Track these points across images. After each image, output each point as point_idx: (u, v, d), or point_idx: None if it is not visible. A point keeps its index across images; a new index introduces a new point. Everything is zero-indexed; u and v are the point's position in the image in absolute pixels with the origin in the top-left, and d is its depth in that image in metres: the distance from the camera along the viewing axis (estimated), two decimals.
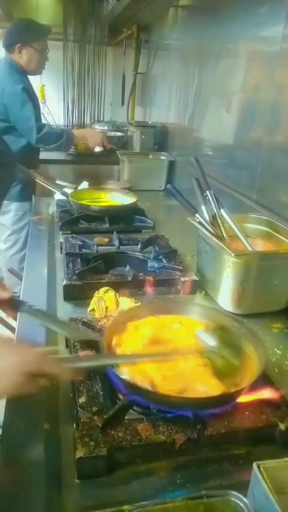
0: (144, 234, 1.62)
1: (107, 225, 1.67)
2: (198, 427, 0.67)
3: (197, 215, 1.19)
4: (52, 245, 1.54)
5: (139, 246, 1.44)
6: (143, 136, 2.86)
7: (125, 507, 0.55)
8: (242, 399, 0.72)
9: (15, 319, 1.00)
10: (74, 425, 0.69)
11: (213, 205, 1.20)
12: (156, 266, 1.30)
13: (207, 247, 1.19)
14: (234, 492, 0.56)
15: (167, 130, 2.80)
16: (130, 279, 1.19)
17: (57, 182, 2.11)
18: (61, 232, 1.60)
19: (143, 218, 1.78)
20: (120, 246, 1.45)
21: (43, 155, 2.68)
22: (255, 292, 1.10)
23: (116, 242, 1.46)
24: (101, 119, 4.29)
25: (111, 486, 0.63)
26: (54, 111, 4.27)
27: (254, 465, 0.54)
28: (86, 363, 0.76)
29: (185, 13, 2.47)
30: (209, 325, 0.90)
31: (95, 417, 0.68)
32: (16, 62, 2.38)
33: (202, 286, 1.24)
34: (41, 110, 3.10)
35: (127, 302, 1.08)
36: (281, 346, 0.99)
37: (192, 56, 2.30)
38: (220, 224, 1.19)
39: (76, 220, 1.71)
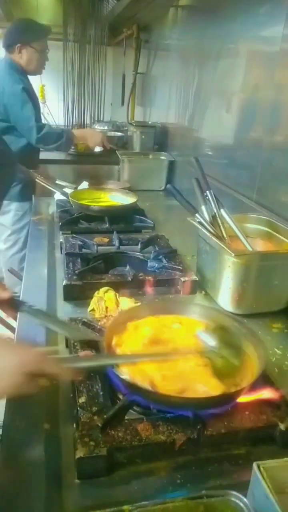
0: (144, 234, 1.62)
1: (107, 225, 1.67)
2: (198, 427, 0.67)
3: (197, 215, 1.19)
4: (52, 245, 1.54)
5: (139, 246, 1.44)
6: (143, 136, 2.86)
7: (125, 507, 0.55)
8: (242, 399, 0.72)
9: (15, 319, 1.00)
10: (74, 425, 0.69)
11: (213, 205, 1.20)
12: (156, 266, 1.30)
13: (207, 247, 1.19)
14: (234, 492, 0.56)
15: (167, 130, 2.80)
16: (130, 279, 1.19)
17: (57, 182, 2.11)
18: (61, 232, 1.60)
19: (143, 218, 1.78)
20: (120, 246, 1.45)
21: (43, 155, 2.68)
22: (255, 292, 1.10)
23: (116, 242, 1.46)
24: (101, 119, 4.29)
25: (111, 486, 0.63)
26: (54, 111, 4.27)
27: (254, 465, 0.54)
28: (86, 363, 0.76)
29: (185, 13, 2.47)
30: (209, 325, 0.90)
31: (95, 417, 0.68)
32: (16, 62, 2.38)
33: (202, 286, 1.24)
34: (41, 110, 3.11)
35: (127, 302, 1.08)
36: (281, 346, 0.99)
37: (192, 56, 2.30)
38: (220, 224, 1.19)
39: (76, 220, 1.71)
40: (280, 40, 1.37)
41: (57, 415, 0.74)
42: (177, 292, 1.22)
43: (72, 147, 2.93)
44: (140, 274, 1.22)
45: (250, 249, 1.17)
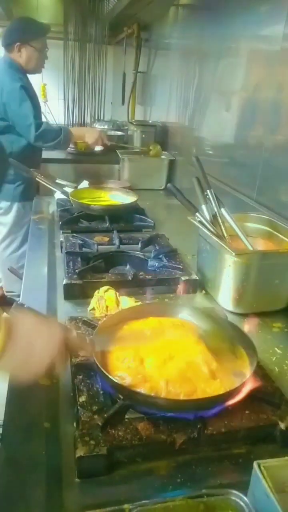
0: (144, 233, 1.62)
1: (107, 224, 1.67)
2: (199, 426, 0.67)
3: (197, 214, 1.19)
4: (52, 244, 1.54)
5: (139, 245, 1.44)
6: (143, 135, 2.85)
7: (125, 506, 0.55)
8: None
9: None
10: (75, 424, 0.69)
11: (213, 204, 1.20)
12: (156, 265, 1.30)
13: (208, 246, 1.19)
14: (234, 491, 0.56)
15: (168, 129, 2.80)
16: (130, 278, 1.19)
17: (58, 181, 2.10)
18: (61, 231, 1.60)
19: (143, 217, 1.78)
20: (121, 245, 1.45)
21: (43, 154, 2.68)
22: (255, 291, 1.10)
23: (117, 241, 1.46)
24: (102, 118, 4.29)
25: (111, 485, 0.63)
26: (54, 110, 4.27)
27: (255, 464, 0.54)
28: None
29: (186, 12, 2.47)
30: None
31: (96, 416, 0.68)
32: (15, 61, 2.38)
33: (202, 285, 1.24)
34: (42, 110, 3.10)
35: (127, 301, 1.08)
36: (282, 346, 0.99)
37: (192, 55, 2.30)
38: (221, 223, 1.19)
39: (76, 219, 1.71)
40: (281, 39, 1.37)
41: (57, 414, 0.74)
42: (177, 291, 1.22)
43: (72, 146, 2.93)
44: (140, 273, 1.22)
45: (250, 248, 1.17)
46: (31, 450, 0.66)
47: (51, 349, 0.67)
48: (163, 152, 2.63)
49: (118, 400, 0.71)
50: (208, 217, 1.19)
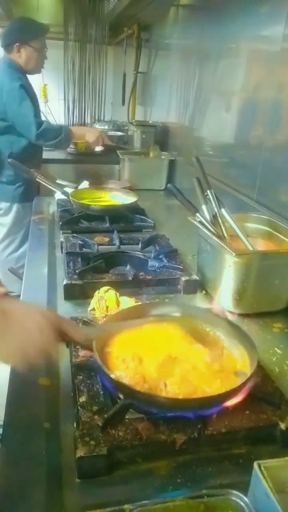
0: (144, 234, 1.62)
1: (107, 224, 1.67)
2: (199, 426, 0.67)
3: (197, 214, 1.19)
4: (52, 244, 1.54)
5: (139, 246, 1.44)
6: (143, 136, 2.86)
7: (125, 506, 0.55)
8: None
9: None
10: (75, 424, 0.69)
11: (213, 205, 1.20)
12: (156, 265, 1.30)
13: (208, 246, 1.19)
14: (234, 492, 0.56)
15: (168, 129, 2.80)
16: (130, 279, 1.19)
17: (58, 181, 2.11)
18: (61, 232, 1.60)
19: (143, 217, 1.78)
20: (121, 246, 1.45)
21: (43, 155, 2.68)
22: (255, 292, 1.10)
23: (117, 242, 1.46)
24: (102, 118, 4.29)
25: (111, 485, 0.63)
26: (54, 111, 4.28)
27: (255, 464, 0.54)
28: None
29: (186, 12, 2.47)
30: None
31: (96, 416, 0.68)
32: (15, 62, 2.38)
33: (202, 285, 1.24)
34: (42, 110, 3.10)
35: (127, 302, 1.08)
36: (282, 346, 0.99)
37: (192, 56, 2.30)
38: (221, 224, 1.19)
39: (76, 219, 1.71)
40: (281, 40, 1.37)
41: (58, 414, 0.74)
42: (178, 291, 1.22)
43: (72, 147, 2.94)
44: (140, 274, 1.22)
45: (250, 248, 1.17)
46: (31, 450, 0.66)
47: (45, 334, 0.67)
48: (163, 152, 2.63)
49: (118, 401, 0.71)
50: (208, 217, 1.19)
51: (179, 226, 1.58)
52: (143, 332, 0.88)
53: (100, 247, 1.42)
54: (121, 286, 1.16)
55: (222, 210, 1.20)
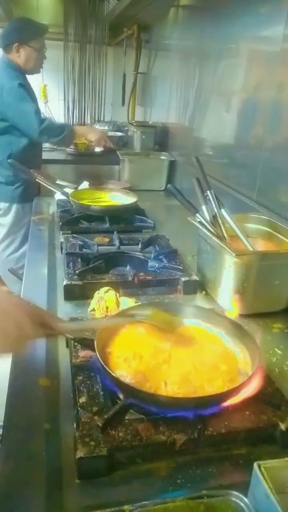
0: (144, 234, 1.62)
1: (107, 225, 1.67)
2: (199, 427, 0.67)
3: (197, 215, 1.19)
4: (52, 245, 1.54)
5: (139, 246, 1.44)
6: (143, 136, 2.86)
7: (125, 507, 0.55)
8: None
9: None
10: (75, 425, 0.69)
11: (213, 205, 1.20)
12: (156, 266, 1.30)
13: (208, 247, 1.19)
14: (234, 492, 0.55)
15: (168, 130, 2.80)
16: (130, 279, 1.19)
17: (58, 182, 2.11)
18: (61, 232, 1.60)
19: (143, 218, 1.78)
20: (121, 246, 1.45)
21: (43, 155, 2.68)
22: (255, 292, 1.10)
23: (117, 242, 1.46)
24: (102, 119, 4.29)
25: (111, 486, 0.63)
26: (54, 111, 4.28)
27: (255, 465, 0.54)
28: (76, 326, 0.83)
29: (186, 13, 2.47)
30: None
31: (96, 417, 0.68)
32: (14, 62, 2.38)
33: (202, 286, 1.24)
34: (42, 110, 3.10)
35: (127, 302, 1.08)
36: (282, 346, 0.99)
37: (192, 56, 2.31)
38: (221, 224, 1.19)
39: (76, 220, 1.71)
40: (281, 40, 1.37)
41: (58, 415, 0.74)
42: (178, 292, 1.22)
43: (72, 147, 2.94)
44: (140, 274, 1.22)
45: (250, 249, 1.17)
46: (31, 451, 0.66)
47: (27, 321, 0.67)
48: (163, 153, 2.63)
49: (118, 401, 0.71)
50: (208, 217, 1.19)
51: (179, 227, 1.58)
52: (143, 332, 0.88)
53: (100, 247, 1.42)
54: (121, 286, 1.16)
55: (222, 210, 1.20)
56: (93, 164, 2.94)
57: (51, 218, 1.84)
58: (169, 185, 1.35)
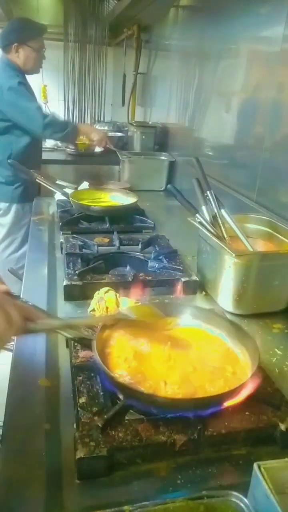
0: (144, 235, 1.62)
1: (107, 225, 1.67)
2: (199, 427, 0.67)
3: (197, 215, 1.19)
4: (52, 245, 1.54)
5: (139, 246, 1.44)
6: (143, 137, 2.86)
7: (125, 507, 0.55)
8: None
9: None
10: (75, 426, 0.69)
11: (213, 205, 1.20)
12: (156, 266, 1.30)
13: (208, 247, 1.19)
14: (234, 493, 0.56)
15: (168, 130, 2.80)
16: (130, 279, 1.19)
17: (58, 182, 2.11)
18: (61, 232, 1.60)
19: (143, 218, 1.78)
20: (121, 246, 1.45)
21: (43, 155, 2.68)
22: (255, 292, 1.10)
23: (117, 242, 1.46)
24: (102, 119, 4.30)
25: (111, 487, 0.63)
26: (54, 111, 4.28)
27: (255, 465, 0.54)
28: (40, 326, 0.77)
29: (186, 13, 2.47)
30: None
31: (96, 418, 0.68)
32: (13, 62, 2.38)
33: (202, 286, 1.24)
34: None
35: (127, 302, 1.08)
36: (282, 347, 0.99)
37: (192, 56, 2.31)
38: (221, 224, 1.19)
39: (76, 220, 1.71)
40: (281, 41, 1.37)
41: (58, 416, 0.74)
42: (178, 292, 1.22)
43: (72, 147, 2.94)
44: (140, 274, 1.22)
45: (250, 249, 1.17)
46: (31, 451, 0.66)
47: (16, 313, 0.67)
48: (163, 153, 2.63)
49: (118, 402, 0.71)
50: (208, 218, 1.19)
51: (179, 227, 1.58)
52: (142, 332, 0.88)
53: (100, 248, 1.42)
54: (121, 286, 1.15)
55: (222, 211, 1.20)
56: (93, 164, 2.94)
57: (51, 218, 1.84)
58: (169, 186, 1.35)
